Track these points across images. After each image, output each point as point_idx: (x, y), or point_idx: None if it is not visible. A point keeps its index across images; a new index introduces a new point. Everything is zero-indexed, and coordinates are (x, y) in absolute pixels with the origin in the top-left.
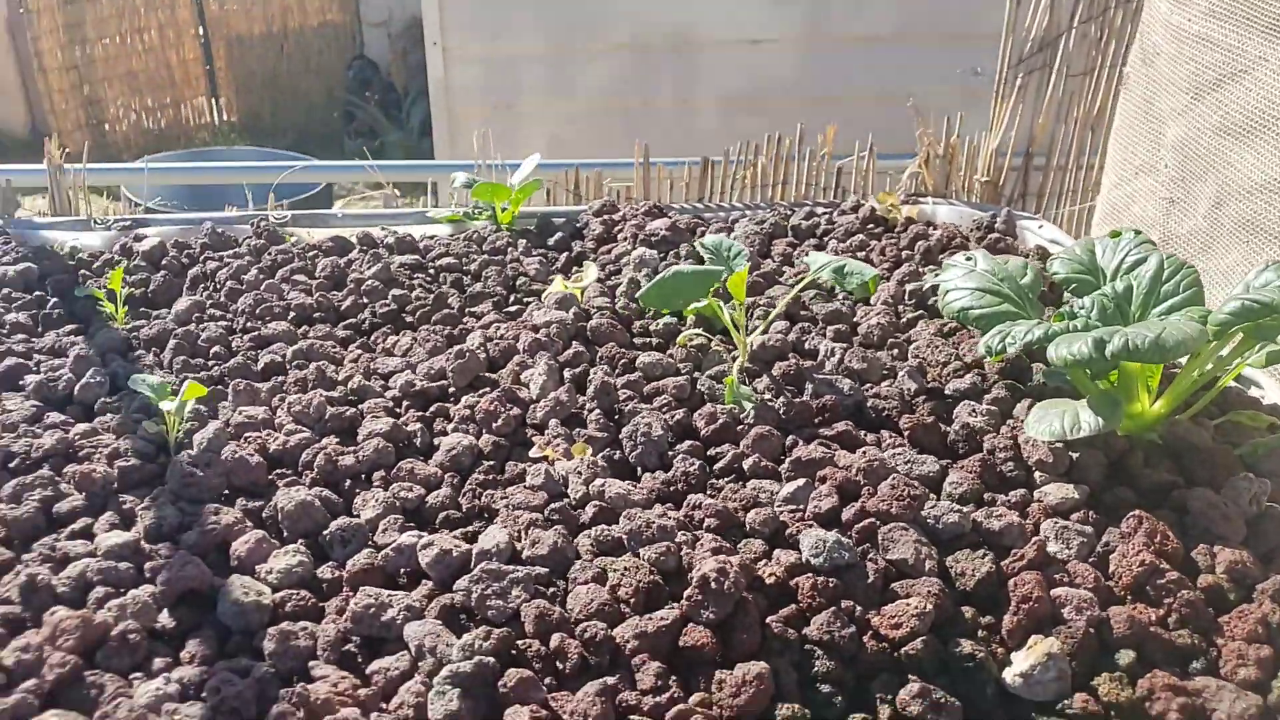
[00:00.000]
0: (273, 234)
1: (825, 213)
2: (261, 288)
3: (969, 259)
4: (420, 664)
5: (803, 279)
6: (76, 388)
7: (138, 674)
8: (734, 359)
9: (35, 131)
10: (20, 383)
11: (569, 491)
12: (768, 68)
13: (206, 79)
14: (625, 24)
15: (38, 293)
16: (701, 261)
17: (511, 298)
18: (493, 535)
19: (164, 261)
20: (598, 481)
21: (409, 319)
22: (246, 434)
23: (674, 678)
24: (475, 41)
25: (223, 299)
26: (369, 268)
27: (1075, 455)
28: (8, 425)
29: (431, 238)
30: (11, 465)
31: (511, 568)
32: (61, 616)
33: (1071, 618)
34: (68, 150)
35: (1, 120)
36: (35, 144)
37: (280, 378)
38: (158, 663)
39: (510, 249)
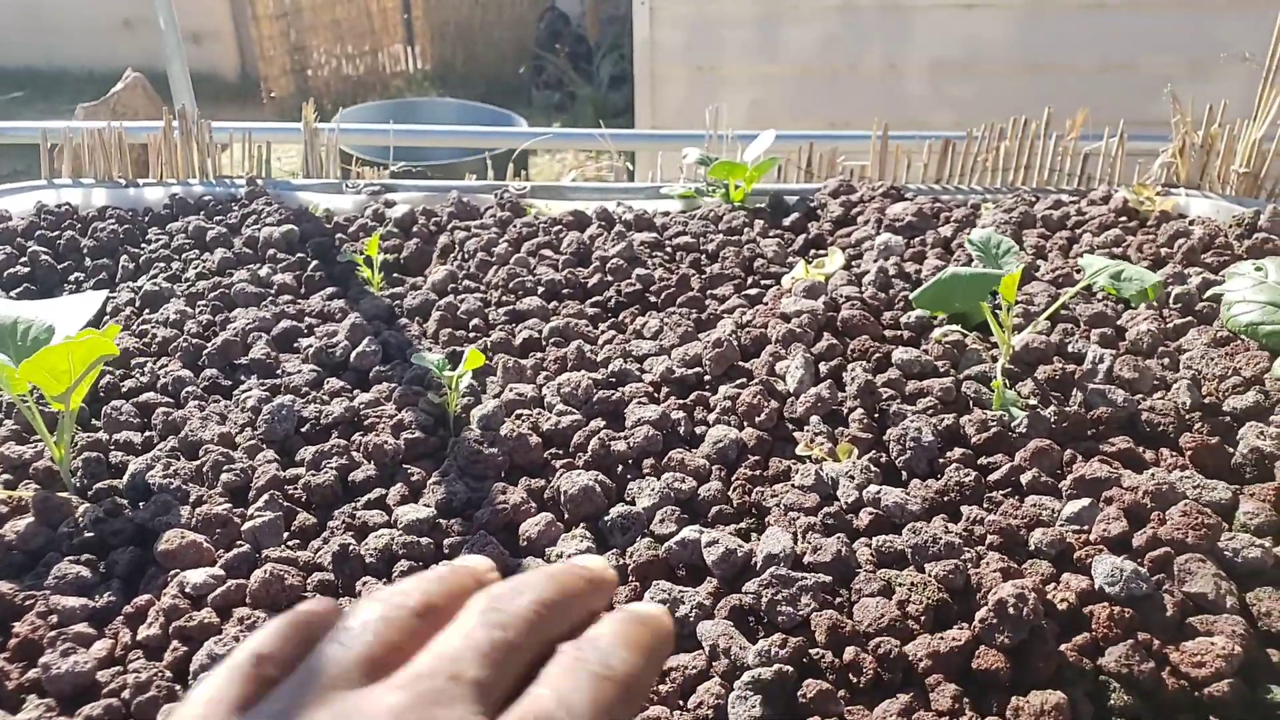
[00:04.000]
0: (516, 206)
1: (1073, 201)
2: (511, 261)
3: (1259, 269)
4: (714, 664)
5: (1069, 280)
6: (353, 355)
7: None
8: (994, 359)
9: (244, 75)
10: (294, 345)
11: (839, 494)
12: (983, 32)
13: (404, 27)
14: None
15: (299, 254)
16: (949, 250)
17: (750, 280)
18: (777, 538)
19: (414, 229)
20: (872, 488)
21: (653, 299)
22: (518, 411)
23: (966, 699)
24: (683, 2)
25: (474, 270)
26: (613, 246)
27: None
28: (291, 387)
29: (666, 214)
30: (304, 430)
31: (800, 574)
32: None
33: None
34: (273, 94)
35: (214, 64)
36: (244, 88)
37: (538, 354)
38: None
39: (746, 229)
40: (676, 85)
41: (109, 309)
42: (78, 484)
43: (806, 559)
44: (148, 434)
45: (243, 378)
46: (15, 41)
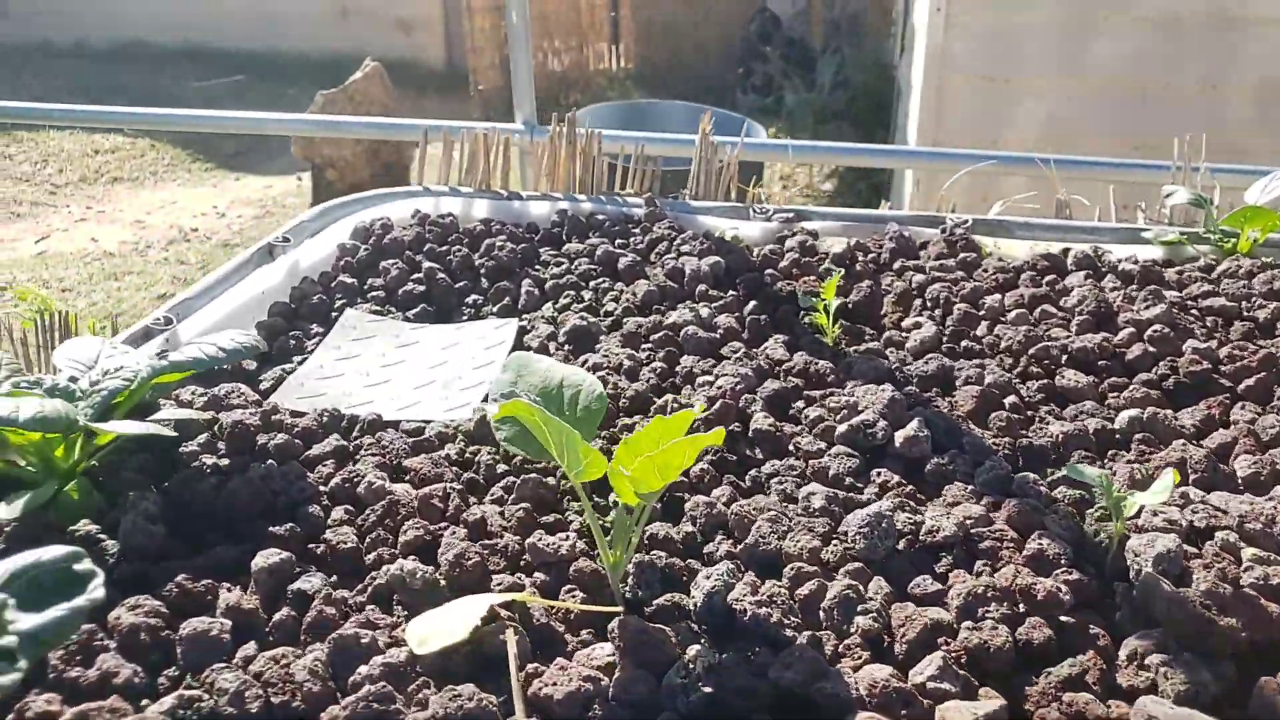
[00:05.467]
0: (970, 244)
1: None
2: (1011, 318)
3: None
4: None
5: None
6: (898, 437)
7: None
8: None
9: (451, 66)
10: (789, 410)
11: None
12: None
13: (610, 25)
14: None
15: (731, 292)
16: None
17: None
18: None
19: (856, 268)
20: None
21: (1225, 381)
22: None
23: None
24: (982, 8)
25: (957, 325)
26: (1146, 309)
27: None
28: (831, 477)
29: (1158, 263)
30: (899, 547)
31: None
32: None
33: None
34: (481, 88)
35: (420, 53)
36: (450, 78)
37: (1123, 454)
38: None
39: None
40: (963, 97)
41: (523, 341)
42: (628, 594)
43: None
44: (687, 530)
45: (747, 452)
46: (237, 27)
